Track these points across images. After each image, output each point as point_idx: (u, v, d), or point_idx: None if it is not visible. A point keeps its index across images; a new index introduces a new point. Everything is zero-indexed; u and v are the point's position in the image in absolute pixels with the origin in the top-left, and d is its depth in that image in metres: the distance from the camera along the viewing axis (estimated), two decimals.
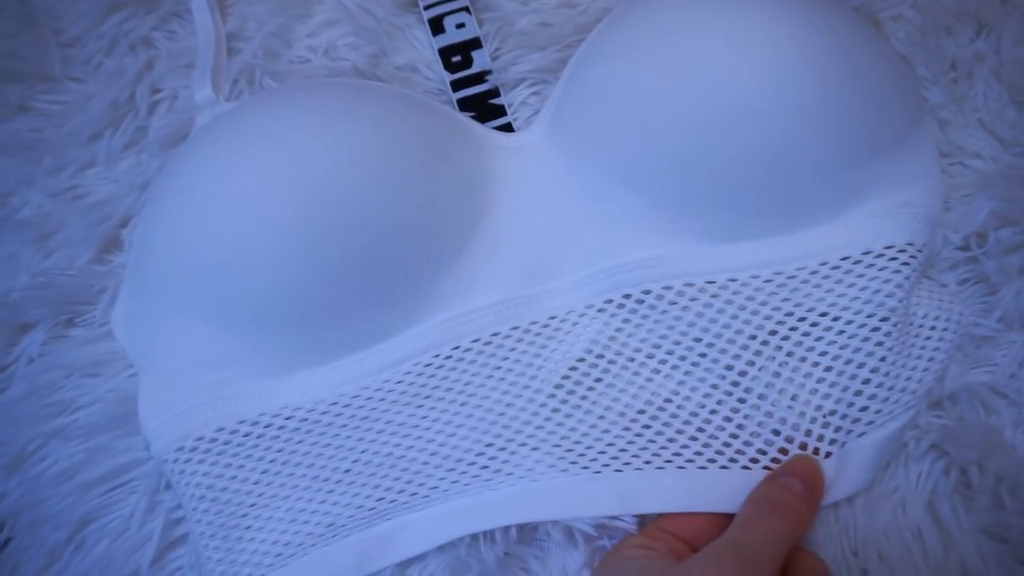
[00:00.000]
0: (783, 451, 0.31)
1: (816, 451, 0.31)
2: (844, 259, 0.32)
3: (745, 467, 0.31)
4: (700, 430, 0.32)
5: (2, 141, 0.41)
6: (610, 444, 0.32)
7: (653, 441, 0.32)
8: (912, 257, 0.32)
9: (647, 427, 0.32)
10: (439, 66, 0.41)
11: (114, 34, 0.43)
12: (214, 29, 0.41)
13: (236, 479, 0.32)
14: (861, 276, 0.32)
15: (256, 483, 0.32)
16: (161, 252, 0.33)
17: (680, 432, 0.32)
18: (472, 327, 0.33)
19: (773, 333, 0.32)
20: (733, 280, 0.32)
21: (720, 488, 0.30)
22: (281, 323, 0.32)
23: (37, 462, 0.35)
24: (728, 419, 0.32)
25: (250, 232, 0.31)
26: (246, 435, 0.32)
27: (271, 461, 0.32)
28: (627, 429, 0.32)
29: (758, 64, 0.31)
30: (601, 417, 0.32)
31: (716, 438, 0.31)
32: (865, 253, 0.32)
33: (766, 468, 0.31)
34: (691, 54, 0.31)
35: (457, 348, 0.33)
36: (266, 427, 0.32)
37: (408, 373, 0.33)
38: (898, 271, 0.32)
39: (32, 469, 0.35)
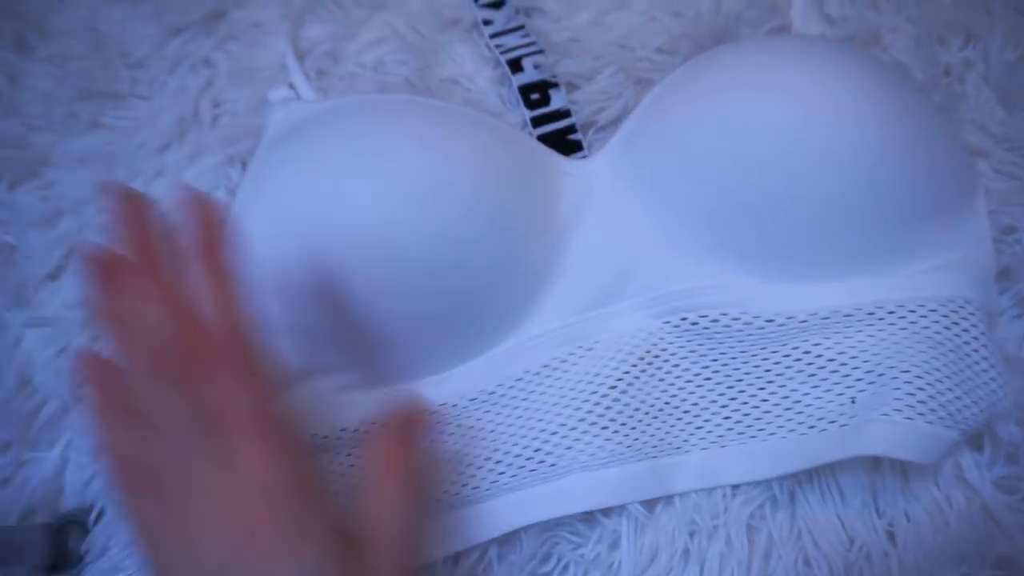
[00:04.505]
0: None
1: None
2: (900, 306, 0.34)
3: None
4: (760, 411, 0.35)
5: (78, 154, 0.44)
6: (658, 435, 0.35)
7: (700, 428, 0.35)
8: (961, 307, 0.34)
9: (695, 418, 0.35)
10: (480, 78, 0.44)
11: (177, 55, 0.46)
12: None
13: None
14: (914, 323, 0.33)
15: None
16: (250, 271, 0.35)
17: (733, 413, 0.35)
18: (544, 348, 0.36)
19: (831, 360, 0.34)
20: (791, 318, 0.35)
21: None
22: (373, 347, 0.35)
23: None
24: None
25: (355, 266, 0.32)
26: (347, 441, 0.35)
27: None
28: (673, 423, 0.35)
29: (830, 121, 0.33)
30: (646, 413, 0.35)
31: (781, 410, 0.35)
32: (920, 305, 0.34)
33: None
34: (769, 106, 0.34)
35: (527, 372, 0.36)
36: (354, 431, 0.35)
37: (490, 391, 0.36)
38: (955, 321, 0.33)
39: None
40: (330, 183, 0.34)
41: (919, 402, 0.32)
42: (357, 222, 0.33)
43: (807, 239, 0.34)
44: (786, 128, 0.34)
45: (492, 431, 0.35)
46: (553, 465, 0.34)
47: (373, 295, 0.33)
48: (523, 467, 0.34)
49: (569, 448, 0.34)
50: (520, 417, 0.35)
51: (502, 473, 0.35)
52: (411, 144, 0.34)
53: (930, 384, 0.32)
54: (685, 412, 0.35)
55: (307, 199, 0.34)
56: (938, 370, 0.33)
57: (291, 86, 0.42)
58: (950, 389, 0.33)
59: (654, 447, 0.35)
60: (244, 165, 0.43)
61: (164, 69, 0.46)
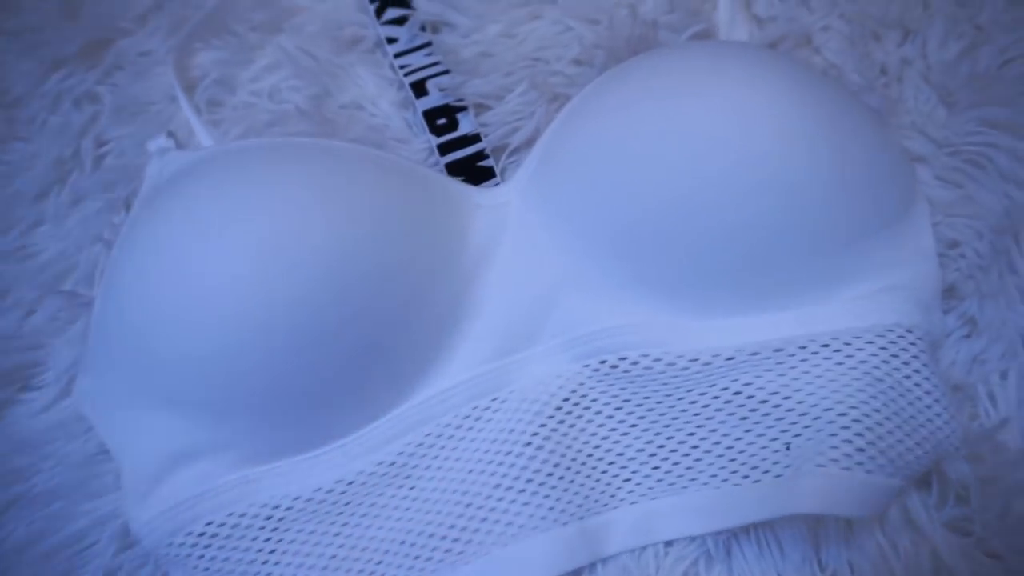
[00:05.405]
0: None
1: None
2: (834, 339, 0.31)
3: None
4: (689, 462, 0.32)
5: None
6: (583, 492, 0.32)
7: (628, 480, 0.32)
8: (901, 337, 0.31)
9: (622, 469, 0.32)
10: (384, 102, 0.41)
11: (58, 91, 0.43)
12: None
13: (222, 571, 0.31)
14: (851, 357, 0.30)
15: (244, 572, 0.31)
16: (131, 347, 0.31)
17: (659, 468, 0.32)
18: (452, 403, 0.32)
19: (763, 402, 0.31)
20: (717, 355, 0.31)
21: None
22: (261, 417, 0.31)
23: None
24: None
25: (231, 328, 0.29)
26: (234, 526, 0.31)
27: (259, 551, 0.31)
28: (598, 478, 0.32)
29: (748, 141, 0.30)
30: (568, 468, 0.32)
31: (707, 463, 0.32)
32: (856, 337, 0.31)
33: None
34: (679, 126, 0.31)
35: (432, 435, 0.32)
36: (254, 517, 0.32)
37: (391, 462, 0.32)
38: (894, 354, 0.30)
39: None
40: (190, 252, 0.30)
41: (857, 450, 0.29)
42: (217, 295, 0.29)
43: (727, 270, 0.31)
44: (700, 149, 0.30)
45: (396, 509, 0.32)
46: (469, 542, 0.31)
47: (245, 368, 0.30)
48: (437, 548, 0.31)
49: (484, 520, 0.31)
50: (428, 490, 0.32)
51: (411, 566, 0.31)
52: (274, 203, 0.30)
53: (869, 429, 0.29)
54: (610, 464, 0.32)
55: (169, 269, 0.30)
56: (878, 411, 0.30)
57: (170, 134, 0.38)
58: (891, 432, 0.30)
59: (580, 506, 0.31)
60: (130, 209, 0.39)
61: (44, 107, 0.42)
